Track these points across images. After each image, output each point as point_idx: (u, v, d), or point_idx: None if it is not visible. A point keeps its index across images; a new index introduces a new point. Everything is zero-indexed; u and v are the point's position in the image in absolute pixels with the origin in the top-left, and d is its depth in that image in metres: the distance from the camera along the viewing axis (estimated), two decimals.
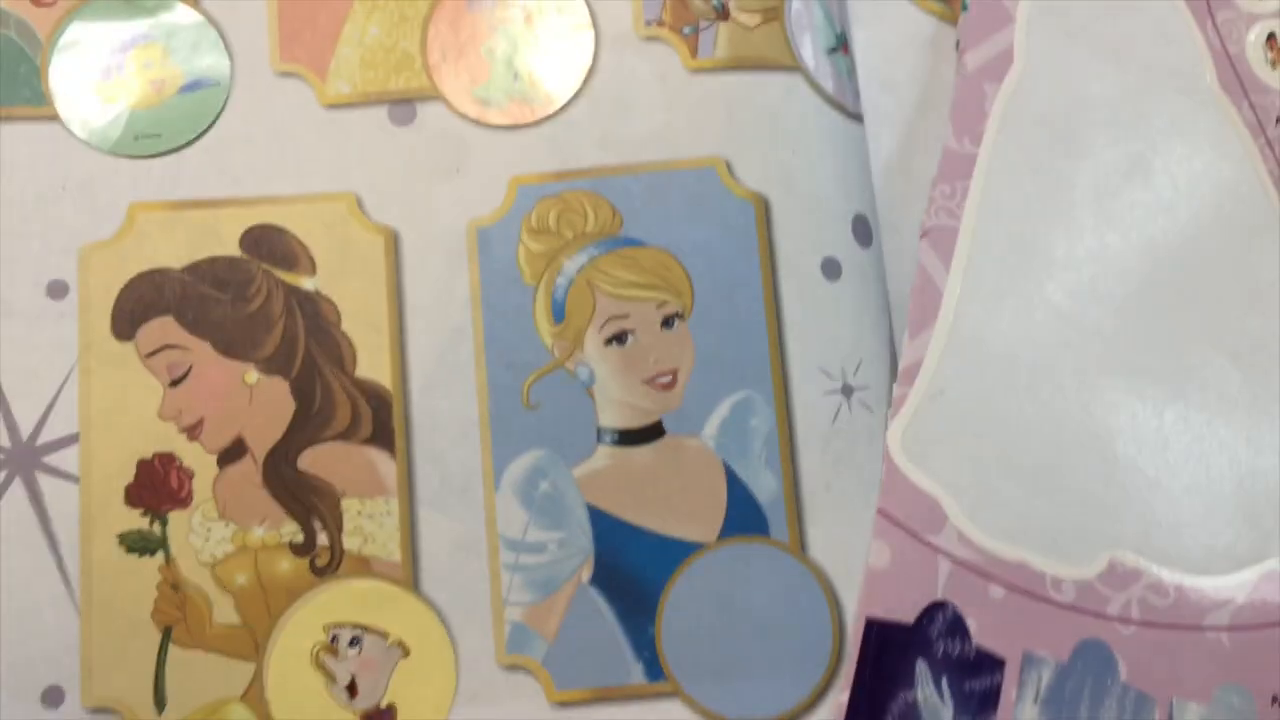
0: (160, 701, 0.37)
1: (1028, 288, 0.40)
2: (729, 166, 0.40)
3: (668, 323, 0.39)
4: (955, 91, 0.41)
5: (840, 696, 0.36)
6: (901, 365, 0.38)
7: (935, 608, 0.37)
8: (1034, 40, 0.42)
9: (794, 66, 0.41)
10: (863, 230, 0.40)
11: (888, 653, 0.36)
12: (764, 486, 0.38)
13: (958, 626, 0.37)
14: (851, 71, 0.42)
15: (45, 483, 0.37)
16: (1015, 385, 0.39)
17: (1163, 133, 0.42)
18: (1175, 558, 0.38)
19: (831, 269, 0.40)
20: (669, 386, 0.39)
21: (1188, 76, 0.43)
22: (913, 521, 0.38)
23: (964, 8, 0.42)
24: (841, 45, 0.42)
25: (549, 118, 0.40)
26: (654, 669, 0.37)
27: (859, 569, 0.38)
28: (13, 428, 0.38)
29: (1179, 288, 0.40)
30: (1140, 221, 0.41)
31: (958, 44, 0.42)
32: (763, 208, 0.40)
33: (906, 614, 0.37)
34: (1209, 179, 0.42)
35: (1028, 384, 0.39)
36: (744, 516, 0.38)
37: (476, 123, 0.40)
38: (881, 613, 0.37)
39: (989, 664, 0.37)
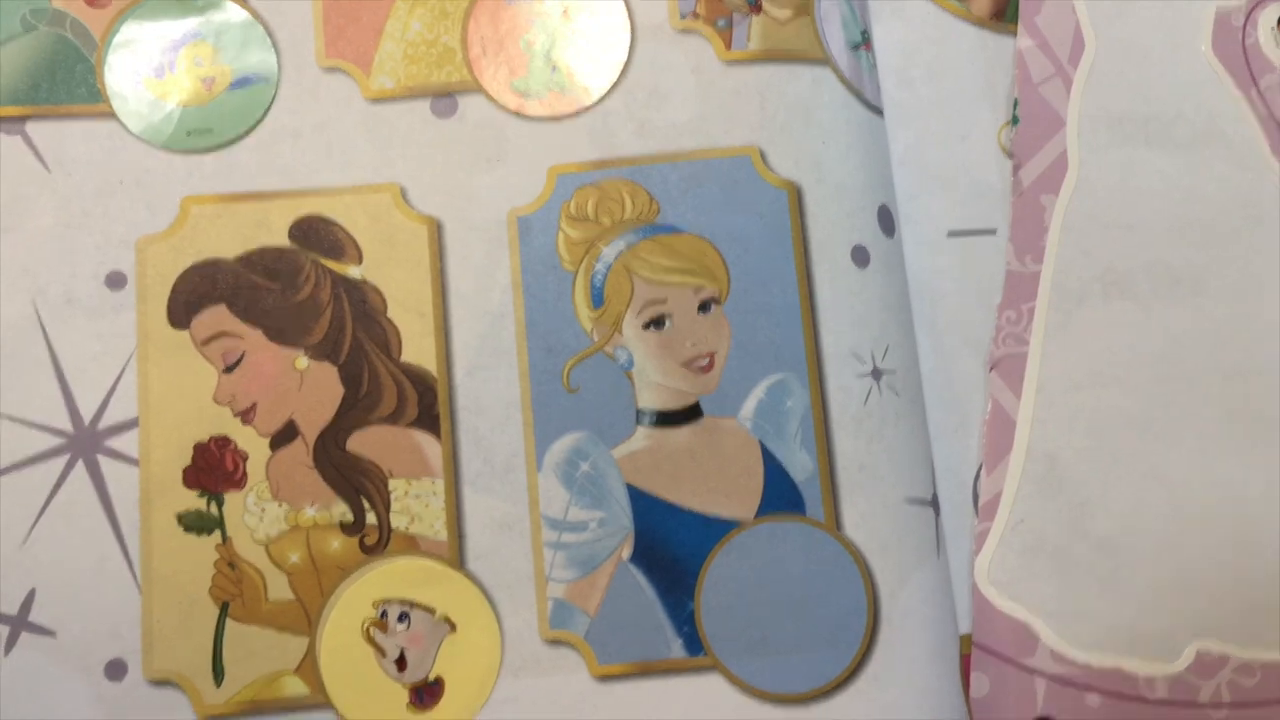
0: (219, 674, 0.38)
1: (1098, 400, 0.41)
2: (763, 155, 0.41)
3: (704, 307, 0.40)
4: (1012, 211, 0.42)
5: None
6: (981, 501, 0.40)
7: None
8: (1086, 139, 0.43)
9: (823, 60, 0.42)
10: (887, 220, 0.41)
11: None
12: (799, 466, 0.39)
13: None
14: (874, 67, 0.43)
15: (106, 465, 0.39)
16: (1091, 499, 0.40)
17: (1222, 211, 0.42)
18: (1256, 637, 0.40)
19: (861, 256, 0.41)
20: (706, 369, 0.40)
21: (1240, 148, 0.43)
22: (1007, 649, 0.39)
23: (1014, 121, 0.43)
24: (865, 41, 0.43)
25: (587, 109, 0.42)
26: (693, 644, 0.38)
27: (893, 545, 0.39)
28: (75, 413, 0.39)
29: (1250, 377, 0.41)
30: (1207, 307, 0.41)
31: (1011, 157, 0.43)
32: (795, 196, 0.41)
33: None
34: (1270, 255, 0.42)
35: (1103, 496, 0.40)
36: (780, 495, 0.39)
37: (516, 114, 0.42)
38: None
39: None
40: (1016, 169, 0.43)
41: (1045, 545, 0.40)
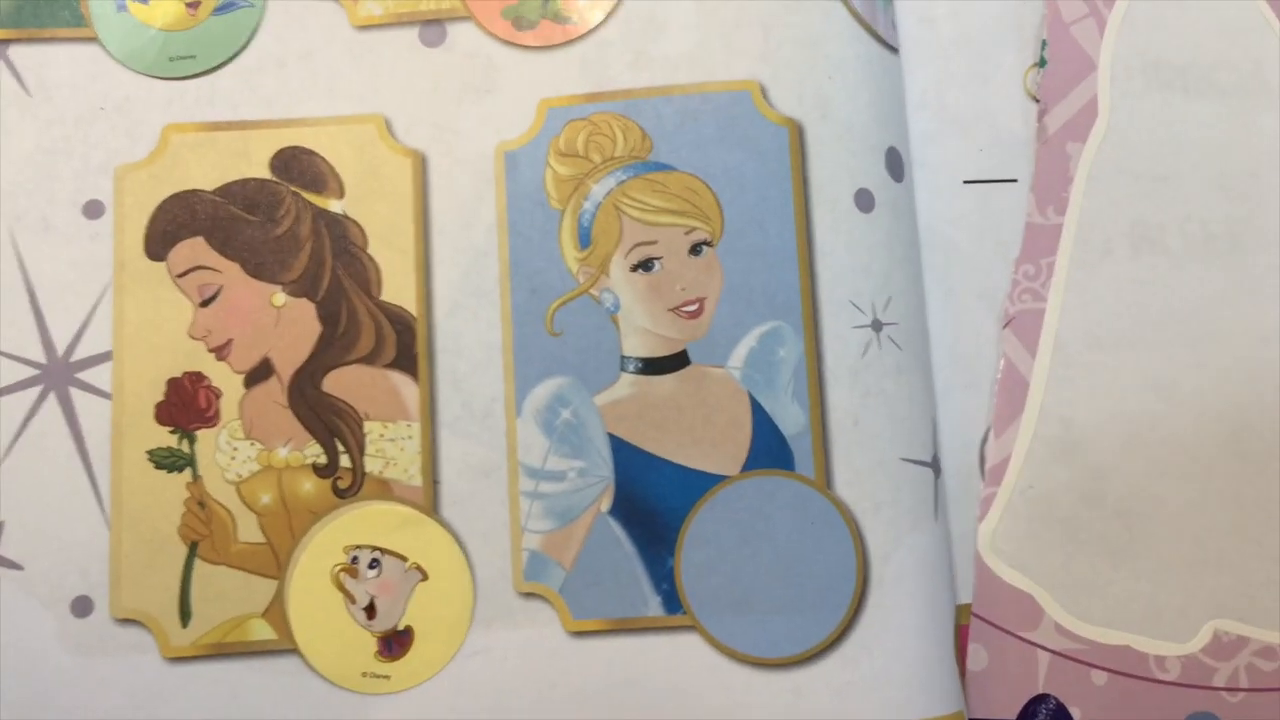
0: (185, 615, 0.37)
1: (1120, 361, 0.38)
2: (764, 90, 0.39)
3: (696, 250, 0.38)
4: (1035, 159, 0.40)
5: None
6: (988, 465, 0.38)
7: (1037, 701, 0.37)
8: (1119, 85, 0.40)
9: None
10: (896, 163, 0.39)
11: None
12: (790, 419, 0.37)
13: (1061, 717, 0.37)
14: (888, 2, 0.40)
15: (79, 399, 0.38)
16: (1106, 466, 0.38)
17: (1265, 164, 0.40)
18: (1279, 618, 0.37)
19: (865, 200, 0.38)
20: (695, 315, 0.38)
21: None
22: (1008, 621, 0.37)
23: (1040, 64, 0.40)
24: None
25: (581, 38, 0.39)
26: (672, 602, 0.37)
27: (886, 506, 0.37)
28: (48, 344, 0.38)
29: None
30: (1244, 266, 0.39)
31: (1036, 101, 0.40)
32: (797, 134, 0.38)
33: (1009, 711, 0.37)
34: None
35: (1120, 463, 0.38)
36: (769, 449, 0.37)
37: (507, 43, 0.40)
38: (984, 713, 0.37)
39: None
40: (1042, 114, 0.40)
41: (1055, 513, 0.38)
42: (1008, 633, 0.38)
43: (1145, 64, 0.41)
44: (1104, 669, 0.37)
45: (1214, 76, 0.40)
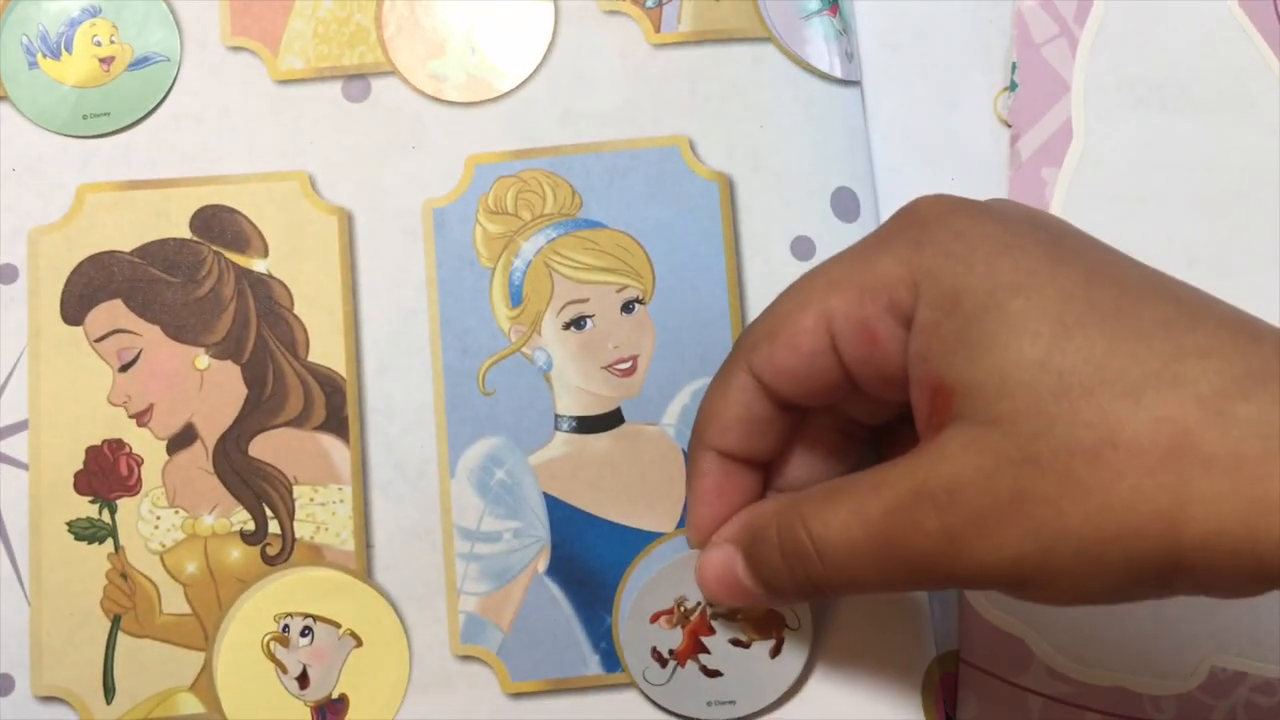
0: (109, 690, 0.36)
1: None
2: (692, 145, 0.39)
3: (628, 308, 0.38)
4: (1010, 186, 0.39)
5: None
6: None
7: None
8: (1094, 106, 0.40)
9: (765, 36, 0.39)
10: (847, 203, 0.39)
11: None
12: None
13: None
14: (841, 33, 0.40)
15: None
16: None
17: (1248, 182, 0.39)
18: (1276, 651, 0.37)
19: (803, 248, 0.38)
20: (628, 373, 0.38)
21: (1268, 113, 0.40)
22: (997, 666, 0.37)
23: (1011, 87, 0.40)
24: (829, 6, 0.40)
25: (507, 94, 0.39)
26: (611, 660, 0.37)
27: None
28: None
29: None
30: (1228, 288, 0.38)
31: (1008, 126, 0.40)
32: (727, 187, 0.38)
33: None
34: None
35: None
36: None
37: (433, 99, 0.39)
38: None
39: None
40: (1015, 140, 0.40)
41: None
42: (997, 678, 0.37)
43: (1121, 82, 0.40)
44: (1098, 711, 0.37)
45: (1191, 94, 0.40)
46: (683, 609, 0.36)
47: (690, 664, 0.36)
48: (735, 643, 0.36)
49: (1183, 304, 0.27)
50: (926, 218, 0.29)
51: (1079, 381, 0.25)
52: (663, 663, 0.36)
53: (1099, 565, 0.25)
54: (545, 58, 0.39)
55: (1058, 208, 0.39)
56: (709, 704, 0.36)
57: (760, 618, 0.36)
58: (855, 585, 0.30)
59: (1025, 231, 0.28)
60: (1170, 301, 0.27)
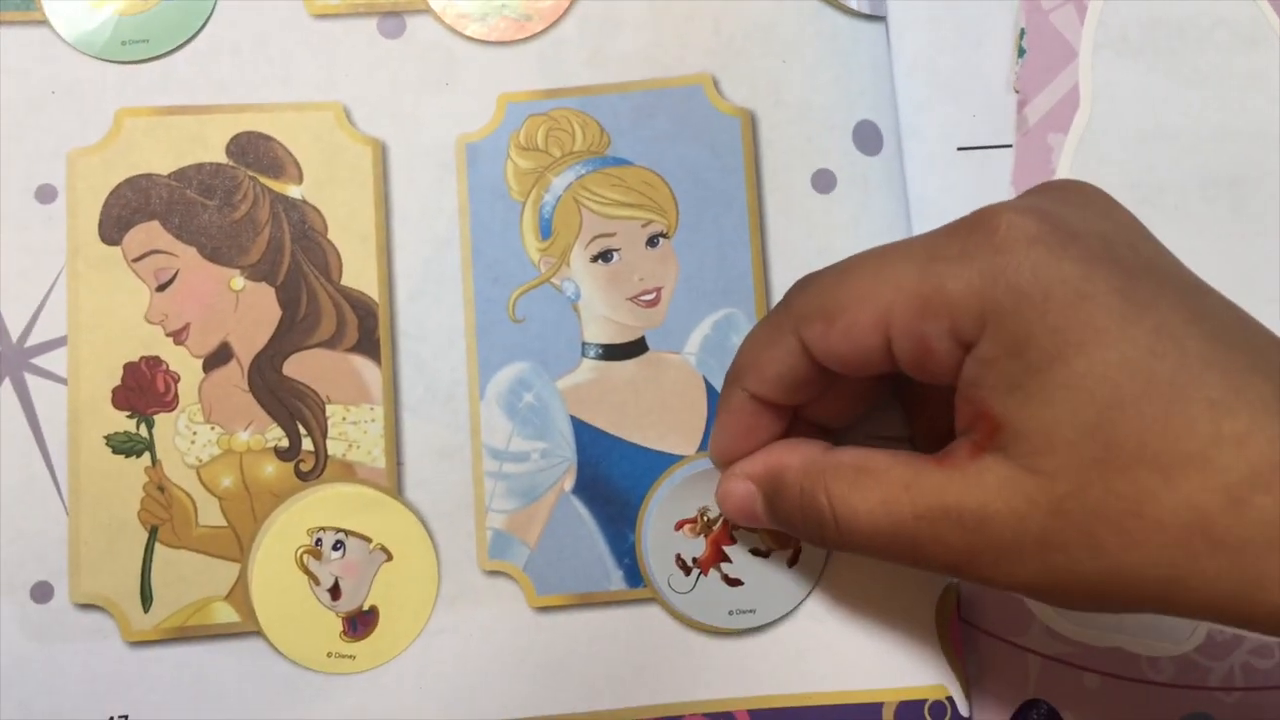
0: (147, 599, 0.37)
1: None
2: (715, 83, 0.40)
3: (652, 241, 0.40)
4: (1016, 151, 0.39)
5: None
6: None
7: (1028, 706, 0.37)
8: (1102, 72, 0.40)
9: None
10: (869, 137, 0.40)
11: None
12: None
13: None
14: None
15: (34, 384, 0.38)
16: None
17: (1258, 149, 0.39)
18: None
19: (824, 181, 0.40)
20: (652, 304, 0.39)
21: (1272, 77, 0.40)
22: (997, 626, 0.38)
23: (1020, 53, 0.40)
24: None
25: (538, 34, 0.41)
26: (634, 576, 0.38)
27: None
28: (2, 330, 0.38)
29: None
30: (1240, 259, 0.38)
31: (1016, 93, 0.40)
32: (750, 123, 0.40)
33: (1000, 716, 0.37)
34: None
35: None
36: None
37: (466, 37, 0.40)
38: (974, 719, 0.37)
39: None
40: (1022, 105, 0.40)
41: None
42: (997, 638, 0.38)
43: (1130, 49, 0.40)
44: (1096, 671, 0.38)
45: (1200, 61, 0.40)
46: (706, 519, 0.38)
47: (713, 572, 0.37)
48: (755, 552, 0.37)
49: (1233, 377, 0.27)
50: (1005, 243, 0.28)
51: (1121, 454, 0.27)
52: (686, 571, 0.37)
53: (1102, 603, 0.29)
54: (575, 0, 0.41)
55: (1064, 173, 0.40)
56: (730, 613, 0.37)
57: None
58: (862, 553, 0.32)
59: (1101, 277, 0.28)
60: (1222, 374, 0.27)
